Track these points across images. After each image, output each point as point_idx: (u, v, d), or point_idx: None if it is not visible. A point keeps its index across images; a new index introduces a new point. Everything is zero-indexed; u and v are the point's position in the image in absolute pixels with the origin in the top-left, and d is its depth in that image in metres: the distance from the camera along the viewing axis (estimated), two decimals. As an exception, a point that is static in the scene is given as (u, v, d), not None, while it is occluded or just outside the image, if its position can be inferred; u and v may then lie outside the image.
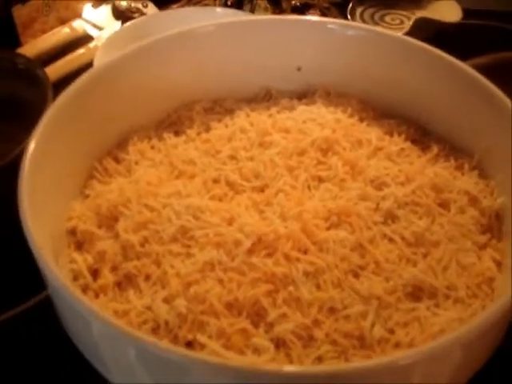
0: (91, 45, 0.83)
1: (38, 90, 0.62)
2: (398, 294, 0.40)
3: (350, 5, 0.86)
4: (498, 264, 0.43)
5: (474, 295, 0.41)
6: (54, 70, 0.76)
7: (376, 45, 0.53)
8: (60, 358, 0.47)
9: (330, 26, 0.54)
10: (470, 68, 0.50)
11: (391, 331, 0.39)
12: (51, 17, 0.88)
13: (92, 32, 0.85)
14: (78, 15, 0.89)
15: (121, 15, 0.88)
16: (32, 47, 0.82)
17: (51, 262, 0.37)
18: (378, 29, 0.54)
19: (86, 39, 0.84)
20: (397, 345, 0.38)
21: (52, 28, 0.86)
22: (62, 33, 0.85)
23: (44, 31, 0.85)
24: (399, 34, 0.54)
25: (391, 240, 0.43)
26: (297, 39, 0.55)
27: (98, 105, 0.50)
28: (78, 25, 0.87)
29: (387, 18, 0.87)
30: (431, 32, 0.78)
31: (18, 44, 0.84)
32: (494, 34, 0.74)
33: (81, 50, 0.83)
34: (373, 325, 0.38)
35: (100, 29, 0.86)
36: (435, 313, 0.39)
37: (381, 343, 0.38)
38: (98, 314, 0.34)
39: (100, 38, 0.83)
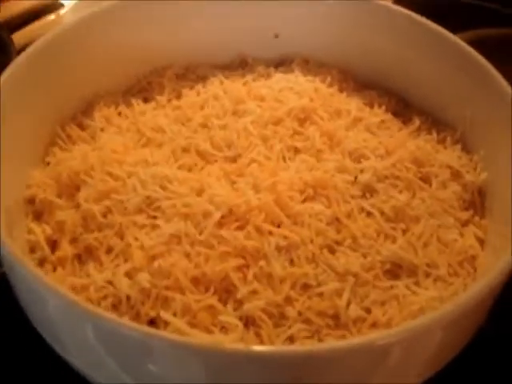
0: (62, 11, 0.80)
1: (1, 54, 0.59)
2: (375, 271, 0.38)
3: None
4: (481, 242, 0.41)
5: (456, 273, 0.39)
6: (22, 36, 0.72)
7: (358, 12, 0.50)
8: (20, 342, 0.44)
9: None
10: (455, 37, 0.47)
11: (368, 310, 0.36)
12: (20, -19, 0.84)
13: (63, -1, 0.82)
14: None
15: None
16: (1, 12, 0.79)
17: (4, 234, 0.34)
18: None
19: (56, 6, 0.81)
20: (373, 324, 0.36)
21: (21, -7, 0.82)
22: (32, -2, 0.82)
23: (14, -4, 0.81)
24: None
25: (369, 214, 0.41)
26: (274, 4, 0.52)
27: (63, 66, 0.47)
28: (49, -10, 0.83)
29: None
30: (415, 6, 0.76)
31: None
32: (476, 12, 0.72)
33: (51, 17, 0.79)
34: (348, 303, 0.36)
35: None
36: (414, 291, 0.37)
37: (357, 323, 0.36)
38: (52, 288, 0.31)
39: (70, 5, 0.79)
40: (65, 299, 0.31)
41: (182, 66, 0.53)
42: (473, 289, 0.33)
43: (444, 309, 0.31)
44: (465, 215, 0.42)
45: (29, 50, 0.45)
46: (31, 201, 0.42)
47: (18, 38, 0.66)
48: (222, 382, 0.30)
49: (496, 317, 0.38)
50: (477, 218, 0.42)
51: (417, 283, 0.38)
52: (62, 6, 0.80)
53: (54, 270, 0.39)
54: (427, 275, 0.38)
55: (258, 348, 0.31)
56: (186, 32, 0.52)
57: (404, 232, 0.40)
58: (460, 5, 0.78)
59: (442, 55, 0.48)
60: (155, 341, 0.30)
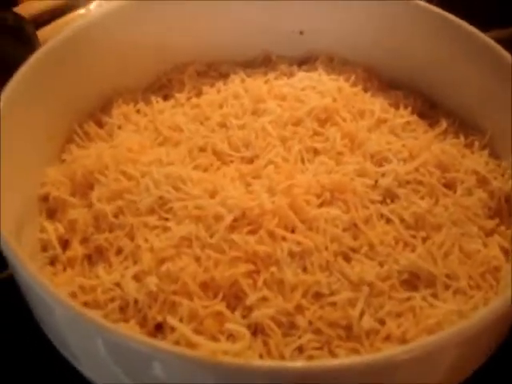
0: (91, 6, 0.79)
1: (26, 48, 0.59)
2: (392, 280, 0.36)
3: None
4: (506, 252, 0.39)
5: (477, 286, 0.37)
6: (50, 31, 0.72)
7: (384, 10, 0.49)
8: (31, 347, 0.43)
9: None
10: (487, 37, 0.45)
11: (382, 322, 0.35)
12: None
13: (88, -4, 0.81)
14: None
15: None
16: (29, 7, 0.79)
17: (12, 242, 0.33)
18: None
19: (83, 2, 0.81)
20: (387, 337, 0.34)
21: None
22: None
23: (43, -9, 0.81)
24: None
25: (389, 221, 0.39)
26: (299, 1, 0.50)
27: (82, 62, 0.47)
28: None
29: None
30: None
31: (15, 3, 0.80)
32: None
33: (81, 11, 0.79)
34: (362, 314, 0.35)
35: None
36: (432, 304, 0.36)
37: (369, 335, 0.35)
38: (55, 297, 0.31)
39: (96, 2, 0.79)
40: (69, 310, 0.30)
41: (203, 62, 0.52)
42: (493, 303, 0.31)
43: (461, 325, 0.30)
44: (490, 224, 0.40)
45: (47, 46, 0.44)
46: (45, 199, 0.42)
47: (47, 32, 0.66)
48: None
49: None
50: (503, 228, 0.40)
51: (435, 295, 0.36)
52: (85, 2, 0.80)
53: (65, 269, 0.39)
54: (446, 287, 0.36)
55: (256, 363, 0.30)
56: (209, 29, 0.51)
57: (424, 240, 0.38)
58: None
59: (472, 56, 0.46)
60: (156, 352, 0.29)
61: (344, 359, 0.31)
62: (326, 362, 0.30)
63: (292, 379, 0.27)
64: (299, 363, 0.31)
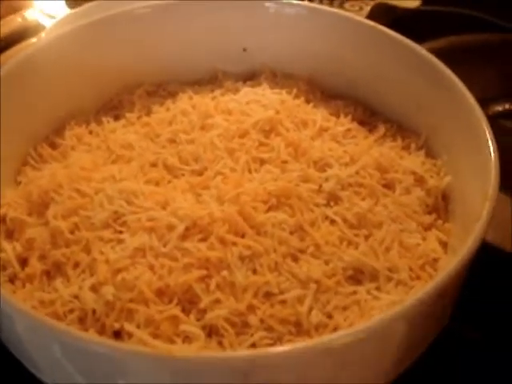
0: (43, 33, 0.81)
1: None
2: (337, 277, 0.38)
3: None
4: (444, 245, 0.42)
5: (417, 277, 0.39)
6: (4, 59, 0.73)
7: (320, 23, 0.51)
8: None
9: (267, 4, 0.52)
10: (417, 45, 0.48)
11: (330, 316, 0.37)
12: (3, 5, 0.85)
13: (44, 21, 0.83)
14: (31, 4, 0.86)
15: (74, 4, 0.85)
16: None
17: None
18: (321, 7, 0.52)
19: (38, 28, 0.82)
20: (335, 329, 0.36)
21: (3, 17, 0.83)
22: (14, 22, 0.83)
23: (-5, 20, 0.83)
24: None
25: (333, 222, 0.41)
26: (240, 19, 0.53)
27: (35, 87, 0.48)
28: (31, 14, 0.84)
29: (346, 5, 0.85)
30: (389, 18, 0.77)
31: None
32: (450, 19, 0.73)
33: (33, 40, 0.80)
34: (310, 310, 0.37)
35: (53, 18, 0.83)
36: (376, 296, 0.38)
37: (318, 328, 0.36)
38: (15, 305, 0.32)
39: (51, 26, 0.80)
40: (27, 315, 0.32)
41: (153, 83, 0.54)
42: (426, 287, 0.33)
43: (403, 305, 0.32)
44: (428, 219, 0.43)
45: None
46: (3, 220, 0.43)
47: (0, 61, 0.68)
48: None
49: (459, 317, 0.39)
50: (440, 222, 0.43)
51: (378, 288, 0.38)
52: (43, 27, 0.82)
53: (24, 286, 0.40)
54: (389, 279, 0.39)
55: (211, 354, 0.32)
56: (157, 50, 0.54)
57: (366, 238, 0.40)
58: (436, 13, 0.79)
59: (404, 64, 0.48)
60: (114, 352, 0.30)
61: (287, 345, 0.33)
62: (271, 349, 0.32)
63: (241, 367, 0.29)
64: (246, 352, 0.33)
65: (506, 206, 0.47)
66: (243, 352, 0.33)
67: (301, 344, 0.30)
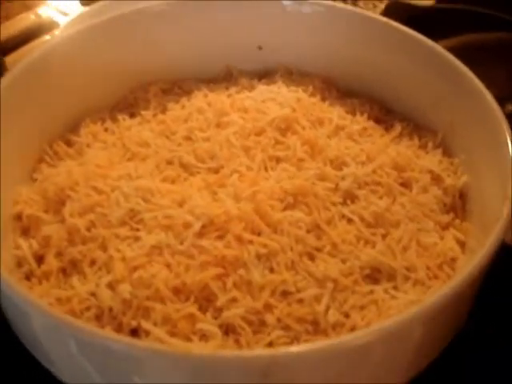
0: (57, 31, 0.81)
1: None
2: (354, 276, 0.38)
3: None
4: (462, 244, 0.41)
5: (435, 276, 0.39)
6: (18, 57, 0.74)
7: (336, 21, 0.51)
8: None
9: (284, 2, 0.52)
10: (434, 43, 0.48)
11: (347, 315, 0.37)
12: (16, 3, 0.86)
13: (58, 18, 0.83)
14: (44, 2, 0.86)
15: (88, 2, 0.85)
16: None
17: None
18: (338, 5, 0.52)
19: (51, 25, 0.82)
20: (352, 329, 0.36)
21: (17, 14, 0.84)
22: (27, 19, 0.83)
23: (8, 17, 0.83)
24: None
25: (350, 221, 0.41)
26: (256, 18, 0.53)
27: (49, 85, 0.48)
28: (44, 11, 0.84)
29: (360, 3, 0.85)
30: (403, 16, 0.76)
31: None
32: (465, 18, 0.73)
33: (46, 37, 0.80)
34: (327, 309, 0.37)
35: (66, 15, 0.84)
36: (393, 295, 0.38)
37: (336, 328, 0.36)
38: (32, 302, 0.32)
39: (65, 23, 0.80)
40: (44, 312, 0.32)
41: (167, 80, 0.54)
42: (444, 289, 0.33)
43: (416, 308, 0.32)
44: (445, 218, 0.42)
45: (14, 70, 0.46)
46: (19, 217, 0.43)
47: (14, 59, 0.68)
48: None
49: (477, 319, 0.39)
50: (458, 221, 0.42)
51: (396, 287, 0.38)
52: (57, 24, 0.82)
53: (40, 283, 0.40)
54: (406, 279, 0.38)
55: (228, 353, 0.32)
56: (171, 48, 0.54)
57: (384, 237, 0.40)
58: (450, 11, 0.78)
59: (421, 62, 0.48)
60: (132, 350, 0.30)
61: (307, 345, 0.32)
62: (290, 348, 0.32)
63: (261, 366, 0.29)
64: (267, 350, 0.33)
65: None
66: (263, 351, 0.32)
67: (321, 343, 0.30)
